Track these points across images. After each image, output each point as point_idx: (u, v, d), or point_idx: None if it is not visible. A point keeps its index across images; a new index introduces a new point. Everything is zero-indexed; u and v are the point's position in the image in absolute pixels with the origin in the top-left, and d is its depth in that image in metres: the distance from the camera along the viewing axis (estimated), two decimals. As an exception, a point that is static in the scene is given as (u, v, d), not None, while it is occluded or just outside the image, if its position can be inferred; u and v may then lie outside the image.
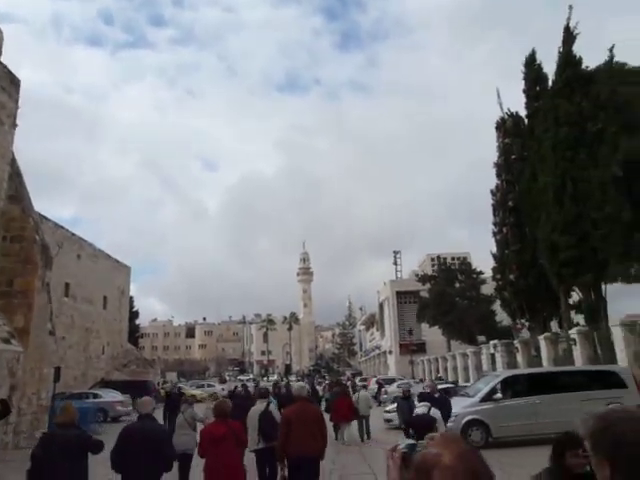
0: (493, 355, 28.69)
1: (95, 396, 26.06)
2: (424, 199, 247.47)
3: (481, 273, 45.11)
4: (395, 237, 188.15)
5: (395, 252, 67.91)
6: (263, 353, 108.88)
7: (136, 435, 5.58)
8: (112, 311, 42.49)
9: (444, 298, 41.31)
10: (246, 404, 10.90)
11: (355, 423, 16.78)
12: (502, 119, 27.27)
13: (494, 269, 26.86)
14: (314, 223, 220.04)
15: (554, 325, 26.21)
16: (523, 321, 26.20)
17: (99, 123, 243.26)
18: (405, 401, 13.85)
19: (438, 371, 41.26)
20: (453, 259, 66.70)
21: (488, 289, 44.21)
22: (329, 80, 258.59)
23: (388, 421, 19.93)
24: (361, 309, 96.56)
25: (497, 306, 44.21)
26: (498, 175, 26.82)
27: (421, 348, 55.17)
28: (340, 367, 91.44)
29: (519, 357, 25.06)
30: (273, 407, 8.93)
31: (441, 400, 10.95)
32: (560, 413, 13.46)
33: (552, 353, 22.00)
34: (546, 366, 21.36)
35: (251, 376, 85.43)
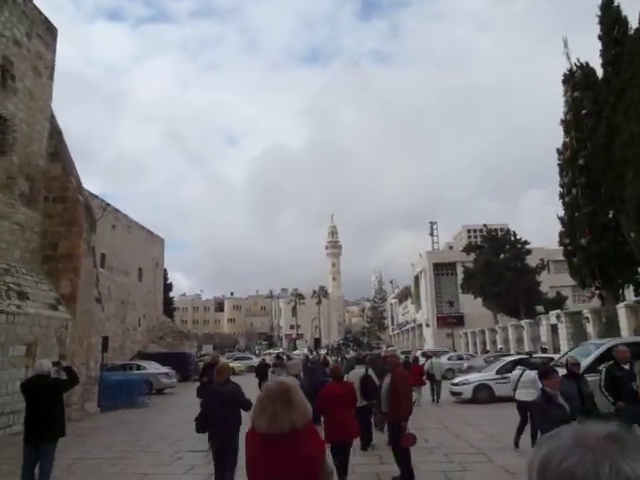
0: (555, 326, 26.96)
1: (139, 367, 25.23)
2: (453, 170, 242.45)
3: (526, 243, 43.19)
4: (423, 209, 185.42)
5: (432, 223, 66.13)
6: (292, 327, 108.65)
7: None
8: (147, 283, 41.71)
9: (491, 268, 39.43)
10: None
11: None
12: (570, 71, 24.90)
13: (561, 233, 24.80)
14: (341, 196, 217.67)
15: (627, 293, 24.29)
16: (593, 289, 24.27)
17: (121, 98, 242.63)
18: (573, 382, 7.42)
19: (484, 344, 39.69)
20: (490, 230, 64.38)
21: (532, 260, 42.42)
22: (352, 50, 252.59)
23: (456, 394, 18.63)
24: (392, 282, 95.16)
25: (542, 277, 42.65)
26: (566, 132, 24.54)
27: (460, 321, 53.76)
28: (370, 341, 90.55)
29: (589, 327, 23.26)
30: (371, 372, 10.25)
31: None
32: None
33: (633, 323, 20.18)
34: (626, 337, 19.55)
35: (280, 350, 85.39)
